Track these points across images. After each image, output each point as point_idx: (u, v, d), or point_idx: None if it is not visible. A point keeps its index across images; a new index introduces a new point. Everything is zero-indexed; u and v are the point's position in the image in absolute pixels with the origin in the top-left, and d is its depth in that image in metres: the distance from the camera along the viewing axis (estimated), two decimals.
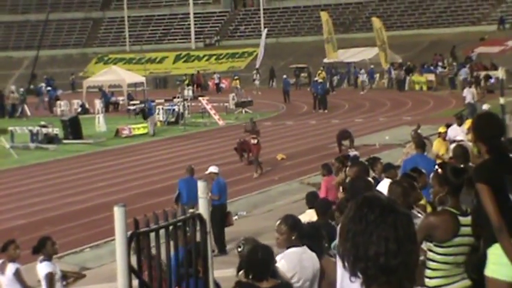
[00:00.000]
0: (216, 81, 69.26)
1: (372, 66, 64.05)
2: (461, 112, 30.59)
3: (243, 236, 11.75)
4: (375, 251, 2.93)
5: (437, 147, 20.22)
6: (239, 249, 7.40)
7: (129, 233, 7.16)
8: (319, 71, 62.01)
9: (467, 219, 6.66)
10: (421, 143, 16.49)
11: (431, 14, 78.33)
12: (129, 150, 37.07)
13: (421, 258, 6.84)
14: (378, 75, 64.68)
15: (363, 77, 63.29)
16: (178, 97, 47.31)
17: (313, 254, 7.56)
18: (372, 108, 50.02)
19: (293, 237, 7.52)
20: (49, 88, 59.21)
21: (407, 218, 3.02)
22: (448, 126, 22.06)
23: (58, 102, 54.87)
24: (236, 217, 22.04)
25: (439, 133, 21.30)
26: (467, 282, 6.67)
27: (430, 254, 6.68)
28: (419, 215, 7.92)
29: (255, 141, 29.09)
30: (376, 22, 64.98)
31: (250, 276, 6.95)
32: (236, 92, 54.36)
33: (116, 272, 7.30)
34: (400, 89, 59.69)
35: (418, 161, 14.48)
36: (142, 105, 46.33)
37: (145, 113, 43.12)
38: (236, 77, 61.65)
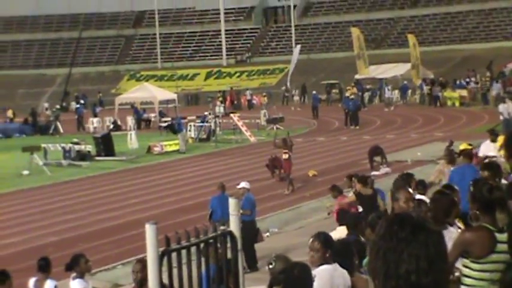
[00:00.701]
0: (248, 97, 69.43)
1: (405, 82, 63.83)
2: (495, 128, 30.34)
3: (275, 252, 11.74)
4: (405, 269, 2.92)
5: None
6: (270, 266, 7.38)
7: (160, 250, 7.18)
8: (349, 87, 61.85)
9: (503, 236, 6.59)
10: (452, 158, 16.47)
11: (464, 29, 78.01)
12: (161, 167, 37.20)
13: (457, 274, 6.78)
14: (410, 91, 64.45)
15: (389, 93, 62.90)
16: (210, 113, 47.49)
17: (344, 271, 7.53)
18: (404, 124, 49.82)
19: (327, 255, 7.49)
20: (78, 106, 59.50)
21: (438, 236, 3.01)
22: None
23: (90, 119, 55.30)
24: (268, 234, 22.02)
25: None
26: None
27: (466, 271, 6.62)
28: (459, 230, 7.85)
29: (286, 156, 29.00)
30: (411, 38, 64.80)
31: None
32: (264, 109, 54.53)
33: None
34: (435, 105, 59.23)
35: (466, 171, 14.31)
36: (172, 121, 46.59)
37: (174, 128, 43.25)
38: (264, 94, 62.11)
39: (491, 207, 6.69)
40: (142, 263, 11.33)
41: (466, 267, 6.60)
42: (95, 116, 56.11)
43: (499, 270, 6.58)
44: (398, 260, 2.93)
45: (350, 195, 18.45)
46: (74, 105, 62.21)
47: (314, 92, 60.51)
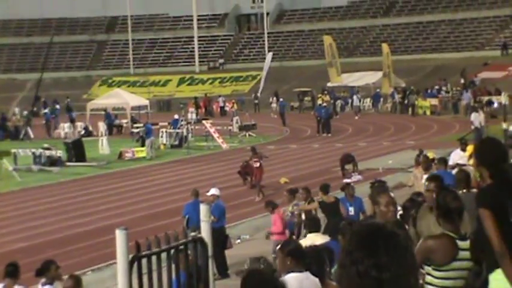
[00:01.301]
0: (221, 104, 69.44)
1: (378, 90, 64.11)
2: (465, 137, 30.56)
3: (246, 259, 11.72)
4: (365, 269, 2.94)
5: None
6: (246, 268, 7.34)
7: (130, 256, 7.15)
8: (322, 95, 62.04)
9: (465, 244, 6.64)
10: (428, 165, 17.18)
11: (435, 38, 78.56)
12: (132, 173, 37.08)
13: (420, 282, 6.81)
14: (382, 99, 64.74)
15: (357, 101, 62.98)
16: (182, 120, 47.36)
17: (316, 279, 7.52)
18: (376, 132, 50.04)
19: (288, 262, 7.49)
20: (45, 111, 58.94)
21: (405, 240, 3.03)
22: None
23: (62, 124, 54.98)
24: (239, 240, 22.01)
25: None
26: None
27: (428, 278, 6.65)
28: None
29: (258, 164, 29.12)
30: (385, 47, 65.15)
31: None
32: (236, 115, 54.62)
33: None
34: (412, 113, 58.98)
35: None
36: (143, 129, 46.25)
37: (143, 138, 42.71)
38: (233, 101, 62.70)
39: (452, 216, 6.76)
40: (74, 279, 11.34)
41: (429, 274, 6.63)
42: (72, 121, 55.47)
43: (462, 277, 6.63)
44: (364, 271, 2.93)
45: (313, 204, 18.77)
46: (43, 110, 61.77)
47: (281, 99, 60.86)
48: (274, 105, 65.58)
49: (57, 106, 61.53)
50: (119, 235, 6.94)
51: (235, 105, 61.18)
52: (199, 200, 19.24)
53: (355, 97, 63.17)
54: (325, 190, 18.80)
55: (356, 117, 58.81)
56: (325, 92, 63.85)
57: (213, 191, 19.52)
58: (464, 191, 9.95)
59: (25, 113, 57.01)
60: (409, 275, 2.97)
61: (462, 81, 64.06)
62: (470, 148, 21.23)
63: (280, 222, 17.86)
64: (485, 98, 56.00)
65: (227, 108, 67.79)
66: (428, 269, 6.63)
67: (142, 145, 42.62)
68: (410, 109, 59.71)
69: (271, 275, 6.92)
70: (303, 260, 7.57)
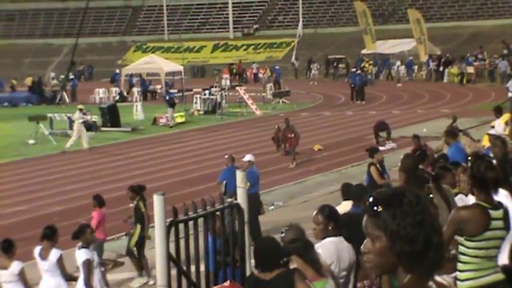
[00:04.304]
0: (254, 71, 69.41)
1: (411, 57, 63.66)
2: (501, 105, 30.25)
3: (279, 226, 11.76)
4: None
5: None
6: (282, 235, 7.42)
7: (168, 220, 7.25)
8: (366, 63, 62.54)
9: (498, 213, 6.62)
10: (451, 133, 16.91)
11: (472, 5, 77.60)
12: (166, 138, 37.27)
13: (453, 252, 6.83)
14: (416, 66, 64.33)
15: (399, 69, 62.87)
16: (215, 86, 47.43)
17: (350, 245, 7.58)
18: (410, 100, 49.77)
19: (330, 227, 7.54)
20: (72, 77, 59.19)
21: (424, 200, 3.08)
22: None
23: (96, 89, 55.31)
24: (272, 207, 22.11)
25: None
26: (500, 275, 6.63)
27: (462, 248, 6.66)
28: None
29: (292, 135, 29.10)
30: (413, 14, 64.51)
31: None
32: (265, 83, 54.75)
33: (153, 259, 7.38)
34: (461, 82, 58.45)
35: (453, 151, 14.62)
36: (180, 94, 46.39)
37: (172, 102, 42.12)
38: (265, 68, 63.23)
39: (487, 185, 6.71)
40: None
41: (461, 245, 6.64)
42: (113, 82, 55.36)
43: (496, 246, 6.62)
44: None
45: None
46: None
47: (277, 67, 61.08)
48: (314, 72, 65.91)
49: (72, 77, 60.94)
50: (157, 200, 7.04)
51: (267, 72, 61.46)
52: (235, 166, 19.30)
53: (398, 63, 62.99)
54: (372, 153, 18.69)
55: (399, 85, 58.64)
56: (366, 60, 64.00)
57: (248, 157, 19.52)
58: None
59: (61, 77, 57.34)
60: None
61: (505, 51, 62.74)
62: (506, 116, 21.08)
63: (97, 220, 16.28)
64: None
65: (260, 75, 67.82)
66: (461, 239, 6.63)
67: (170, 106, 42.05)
68: (460, 77, 58.80)
69: (279, 243, 7.01)
70: (339, 224, 7.63)
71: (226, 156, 19.86)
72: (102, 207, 16.38)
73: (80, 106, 37.49)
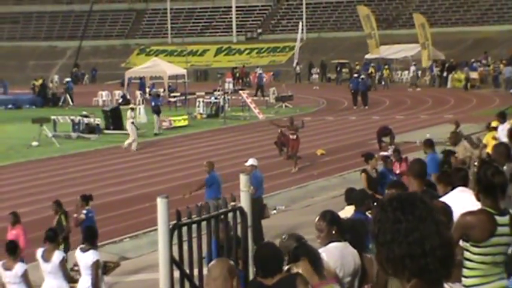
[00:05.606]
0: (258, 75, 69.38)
1: (414, 63, 63.64)
2: (505, 110, 30.21)
3: (281, 230, 11.77)
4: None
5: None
6: (284, 240, 7.39)
7: (171, 224, 7.23)
8: (372, 68, 62.80)
9: (505, 219, 6.58)
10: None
11: (477, 11, 77.60)
12: (169, 141, 37.27)
13: (458, 257, 6.79)
14: (420, 72, 64.32)
15: (411, 73, 62.86)
16: (218, 90, 47.40)
17: (354, 251, 7.55)
18: (413, 105, 49.74)
19: (333, 232, 7.51)
20: (68, 80, 59.09)
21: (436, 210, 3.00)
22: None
23: (99, 92, 55.29)
24: (274, 211, 22.10)
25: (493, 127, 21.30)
26: (505, 282, 6.61)
27: (467, 254, 6.62)
28: None
29: (294, 136, 29.08)
30: (418, 18, 64.51)
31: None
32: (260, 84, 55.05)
33: (154, 262, 7.37)
34: (466, 88, 57.95)
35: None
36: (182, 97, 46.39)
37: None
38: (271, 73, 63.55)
39: (494, 191, 6.66)
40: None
41: (467, 250, 6.60)
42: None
43: (501, 252, 6.58)
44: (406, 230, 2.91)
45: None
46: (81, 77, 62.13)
47: (260, 71, 61.08)
48: (315, 76, 65.96)
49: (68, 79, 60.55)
50: (160, 203, 7.03)
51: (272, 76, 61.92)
52: (215, 172, 19.58)
53: (411, 68, 62.97)
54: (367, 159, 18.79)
55: (410, 89, 58.65)
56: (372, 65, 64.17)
57: (251, 161, 19.60)
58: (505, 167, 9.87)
59: (66, 80, 57.38)
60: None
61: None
62: (511, 122, 21.03)
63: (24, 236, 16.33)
64: None
65: (264, 79, 67.92)
66: (466, 245, 6.59)
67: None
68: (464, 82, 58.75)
69: (279, 249, 6.99)
70: (343, 229, 7.60)
71: (205, 163, 20.18)
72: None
73: (132, 106, 37.87)
